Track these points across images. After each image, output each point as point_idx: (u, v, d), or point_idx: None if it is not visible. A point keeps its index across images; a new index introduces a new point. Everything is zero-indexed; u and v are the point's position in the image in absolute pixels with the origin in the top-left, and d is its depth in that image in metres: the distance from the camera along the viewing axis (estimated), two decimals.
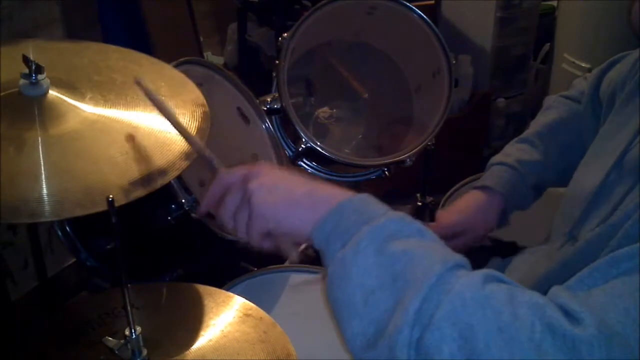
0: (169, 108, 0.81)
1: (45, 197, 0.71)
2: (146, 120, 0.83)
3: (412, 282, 0.61)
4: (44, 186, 0.72)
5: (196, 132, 0.84)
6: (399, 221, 0.67)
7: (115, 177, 0.75)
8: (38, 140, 0.75)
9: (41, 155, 0.74)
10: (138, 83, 0.82)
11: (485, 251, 1.16)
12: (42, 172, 0.73)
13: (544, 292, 0.82)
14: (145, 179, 0.76)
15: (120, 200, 0.72)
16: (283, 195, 0.73)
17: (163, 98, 0.83)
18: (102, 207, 0.70)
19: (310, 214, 0.70)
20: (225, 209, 0.76)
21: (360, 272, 0.64)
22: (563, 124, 1.14)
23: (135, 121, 0.83)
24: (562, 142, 1.12)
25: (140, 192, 0.74)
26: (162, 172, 0.78)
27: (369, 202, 0.70)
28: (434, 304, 0.59)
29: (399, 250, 0.64)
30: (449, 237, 1.13)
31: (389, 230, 0.66)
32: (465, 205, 1.14)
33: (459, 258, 0.65)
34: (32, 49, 0.85)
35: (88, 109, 0.82)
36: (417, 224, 0.68)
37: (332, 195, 0.72)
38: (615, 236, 0.73)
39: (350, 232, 0.66)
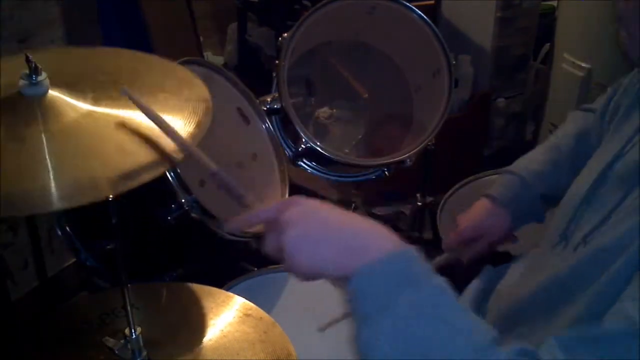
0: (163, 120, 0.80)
1: (52, 189, 0.70)
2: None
3: None
4: (51, 179, 0.71)
5: (197, 124, 0.83)
6: (439, 293, 0.67)
7: (131, 159, 0.75)
8: (41, 135, 0.75)
9: (46, 149, 0.74)
10: (128, 95, 0.80)
11: (478, 260, 1.16)
12: (48, 165, 0.73)
13: (539, 305, 0.83)
14: (141, 170, 0.75)
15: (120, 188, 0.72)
16: (317, 247, 0.70)
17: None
18: (121, 189, 0.70)
19: (345, 262, 0.68)
20: (266, 246, 0.74)
21: (389, 349, 0.64)
22: (579, 136, 1.14)
23: (135, 119, 0.82)
24: (576, 154, 1.13)
25: (137, 182, 0.74)
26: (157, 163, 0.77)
27: (411, 262, 0.69)
28: None
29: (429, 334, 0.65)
30: (471, 239, 1.15)
31: (426, 302, 0.66)
32: (477, 211, 1.16)
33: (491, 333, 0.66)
34: (39, 54, 0.85)
35: (89, 104, 0.82)
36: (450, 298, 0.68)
37: (371, 244, 0.70)
38: (612, 252, 0.73)
39: (390, 297, 0.66)
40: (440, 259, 1.16)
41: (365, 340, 0.66)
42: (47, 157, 0.73)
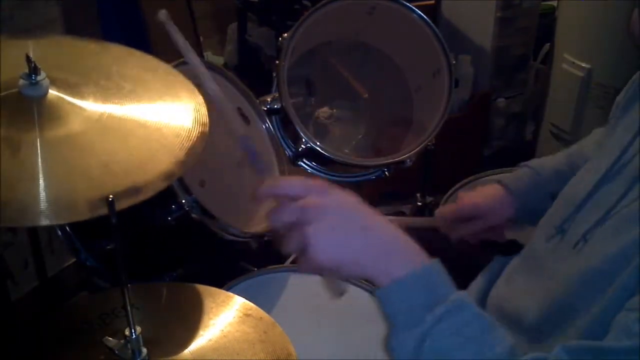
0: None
1: (42, 201, 0.70)
2: (143, 127, 0.83)
3: None
4: (41, 190, 0.71)
5: (189, 151, 0.83)
6: (462, 308, 0.69)
7: (113, 182, 0.74)
8: (36, 143, 0.75)
9: (39, 158, 0.74)
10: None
11: (488, 250, 1.15)
12: (40, 175, 0.72)
13: (543, 321, 0.83)
14: (138, 188, 0.75)
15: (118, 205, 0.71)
16: (346, 246, 0.70)
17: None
18: (99, 212, 0.70)
19: (372, 268, 0.70)
20: (276, 219, 0.71)
21: None
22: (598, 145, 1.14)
23: (133, 127, 0.82)
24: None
25: (134, 200, 0.74)
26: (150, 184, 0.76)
27: (436, 277, 0.70)
28: None
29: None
30: (468, 218, 1.14)
31: (451, 318, 0.67)
32: (485, 193, 1.15)
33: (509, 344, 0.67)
34: (43, 47, 0.84)
35: (88, 108, 0.81)
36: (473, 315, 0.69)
37: (399, 254, 0.71)
38: (615, 264, 0.73)
39: (414, 315, 0.67)
40: (422, 220, 1.14)
41: (394, 347, 0.69)
42: (39, 167, 0.72)
